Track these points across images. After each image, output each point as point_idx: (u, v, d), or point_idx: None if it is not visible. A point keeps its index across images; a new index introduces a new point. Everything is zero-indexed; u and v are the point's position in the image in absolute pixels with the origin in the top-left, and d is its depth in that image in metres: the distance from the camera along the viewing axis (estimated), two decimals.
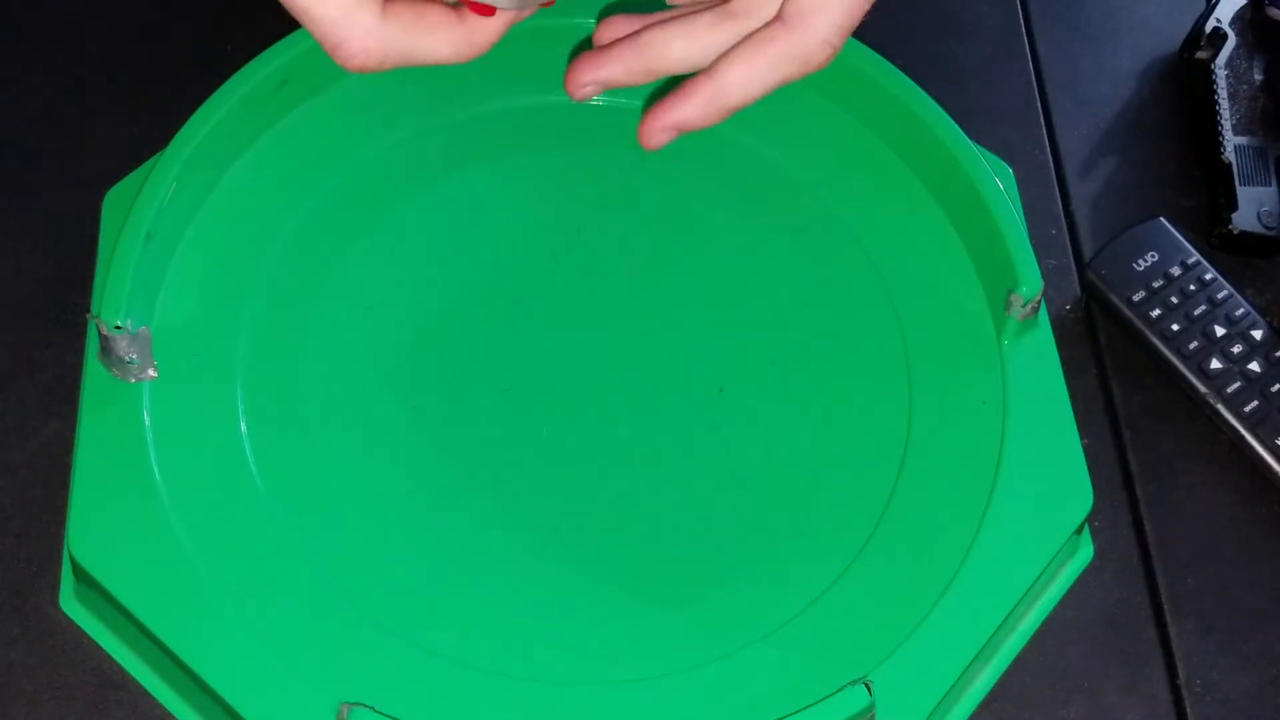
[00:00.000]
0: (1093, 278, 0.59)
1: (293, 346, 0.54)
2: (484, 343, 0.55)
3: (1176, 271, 0.59)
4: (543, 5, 0.44)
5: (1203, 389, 0.57)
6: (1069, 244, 0.63)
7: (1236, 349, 0.57)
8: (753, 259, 0.58)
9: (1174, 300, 0.59)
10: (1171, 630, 0.53)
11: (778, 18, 0.45)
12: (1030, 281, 0.54)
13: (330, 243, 0.57)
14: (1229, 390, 0.57)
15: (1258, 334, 0.58)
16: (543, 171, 0.60)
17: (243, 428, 0.52)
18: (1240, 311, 0.58)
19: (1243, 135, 0.63)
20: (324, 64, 0.59)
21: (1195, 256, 0.59)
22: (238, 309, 0.54)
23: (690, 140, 0.60)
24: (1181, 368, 0.58)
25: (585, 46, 0.62)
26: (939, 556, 0.51)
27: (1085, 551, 0.55)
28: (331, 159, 0.58)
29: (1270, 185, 0.62)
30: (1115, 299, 0.59)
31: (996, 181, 0.57)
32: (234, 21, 0.65)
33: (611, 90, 0.58)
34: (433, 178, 0.59)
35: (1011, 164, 0.63)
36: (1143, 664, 0.53)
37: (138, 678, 0.50)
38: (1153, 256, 0.59)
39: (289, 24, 0.58)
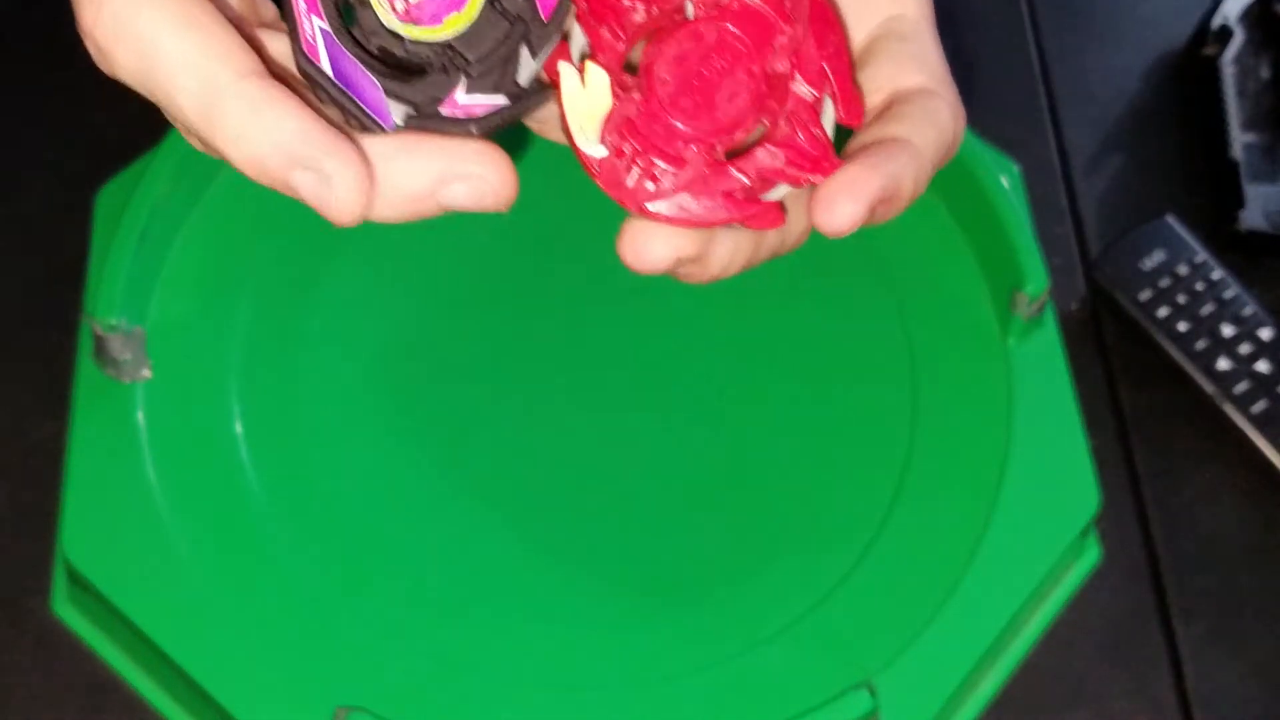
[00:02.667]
0: (1099, 276, 0.59)
1: (288, 346, 0.54)
2: (482, 343, 0.55)
3: (1184, 270, 0.59)
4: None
5: (1210, 389, 0.57)
6: (1075, 242, 0.62)
7: (1244, 349, 0.57)
8: None
9: (1181, 299, 0.58)
10: (1179, 634, 0.53)
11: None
12: (1036, 279, 0.54)
13: (326, 242, 0.56)
14: (1237, 390, 0.56)
15: (1266, 334, 0.57)
16: (543, 171, 0.60)
17: (237, 428, 0.51)
18: (1248, 311, 0.58)
19: (1250, 132, 0.63)
20: None
21: (1202, 255, 0.59)
22: (232, 308, 0.54)
23: None
24: (1189, 368, 0.57)
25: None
26: (944, 559, 0.50)
27: (1092, 554, 0.54)
28: None
29: (1278, 183, 0.62)
30: (1122, 298, 0.58)
31: (1001, 178, 0.56)
32: None
33: None
34: None
35: (1017, 160, 0.62)
36: (1150, 668, 0.52)
37: (131, 681, 0.49)
38: (1160, 255, 0.59)
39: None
